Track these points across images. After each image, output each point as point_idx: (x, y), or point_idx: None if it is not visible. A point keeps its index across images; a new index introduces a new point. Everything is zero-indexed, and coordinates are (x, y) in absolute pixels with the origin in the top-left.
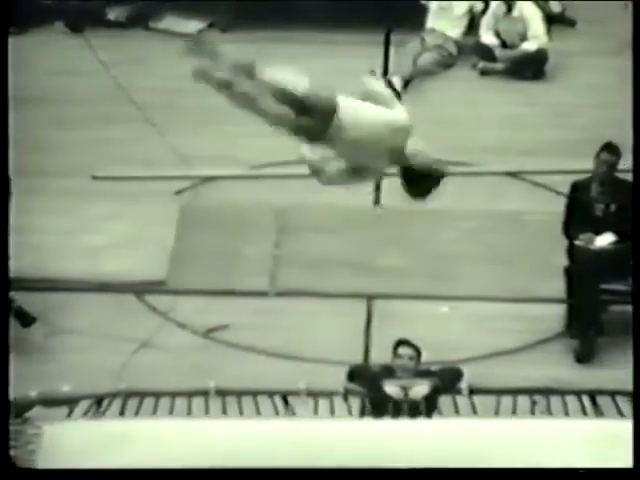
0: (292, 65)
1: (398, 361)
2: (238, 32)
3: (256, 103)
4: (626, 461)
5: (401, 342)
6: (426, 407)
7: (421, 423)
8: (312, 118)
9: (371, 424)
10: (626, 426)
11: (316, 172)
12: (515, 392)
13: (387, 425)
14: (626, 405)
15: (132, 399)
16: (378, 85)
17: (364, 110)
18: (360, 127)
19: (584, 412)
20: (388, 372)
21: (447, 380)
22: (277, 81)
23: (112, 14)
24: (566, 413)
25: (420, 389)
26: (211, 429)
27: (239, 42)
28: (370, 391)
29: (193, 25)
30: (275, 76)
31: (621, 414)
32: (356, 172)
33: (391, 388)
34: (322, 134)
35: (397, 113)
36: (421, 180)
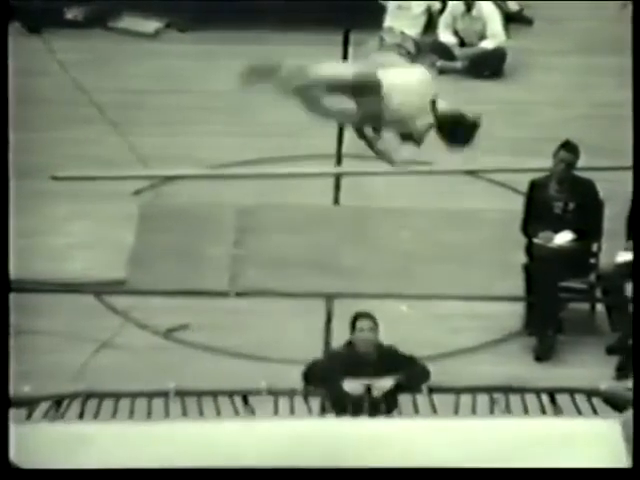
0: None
1: (359, 334)
2: (196, 32)
3: (320, 103)
4: (583, 460)
5: (359, 315)
6: (386, 405)
7: (380, 422)
8: (365, 100)
9: (330, 423)
10: (584, 424)
11: (385, 156)
12: (474, 390)
13: (346, 424)
14: (584, 403)
15: (92, 400)
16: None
17: (401, 76)
18: (403, 92)
19: (543, 410)
20: (349, 365)
21: (413, 379)
22: (328, 74)
23: (70, 14)
24: (525, 411)
25: (384, 383)
26: (171, 430)
27: (197, 42)
28: (329, 391)
29: (151, 25)
30: (325, 70)
31: (579, 412)
32: (406, 139)
33: (351, 385)
34: (378, 114)
35: (418, 68)
36: (458, 129)
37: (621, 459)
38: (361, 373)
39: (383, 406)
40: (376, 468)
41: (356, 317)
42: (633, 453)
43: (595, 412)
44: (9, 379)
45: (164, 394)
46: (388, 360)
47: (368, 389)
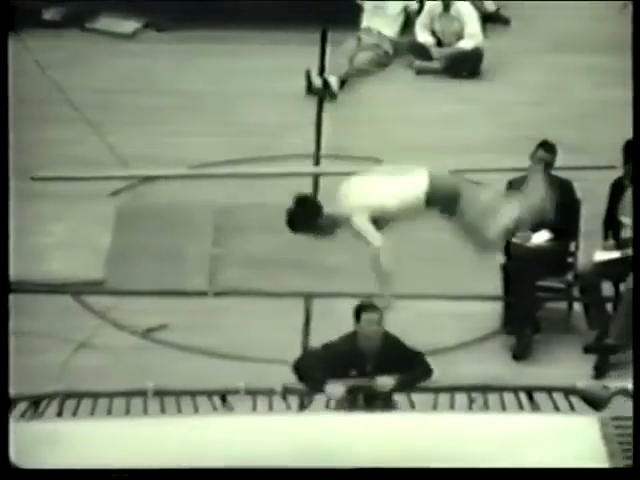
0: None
1: (367, 327)
2: (174, 32)
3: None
4: (561, 456)
5: (365, 307)
6: (383, 402)
7: (358, 418)
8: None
9: (308, 419)
10: (562, 421)
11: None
12: (452, 390)
13: (324, 420)
14: (562, 402)
15: (70, 400)
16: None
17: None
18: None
19: (521, 409)
20: (349, 359)
21: (416, 378)
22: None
23: (48, 14)
24: (503, 410)
25: (386, 382)
26: (149, 430)
27: (175, 42)
28: (311, 390)
29: (129, 25)
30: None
31: (557, 410)
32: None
33: (332, 389)
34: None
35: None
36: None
37: (599, 456)
38: (362, 367)
39: (380, 403)
40: (370, 468)
41: (361, 308)
42: (633, 453)
43: (573, 410)
44: (9, 379)
45: (142, 394)
46: (393, 354)
47: (355, 389)
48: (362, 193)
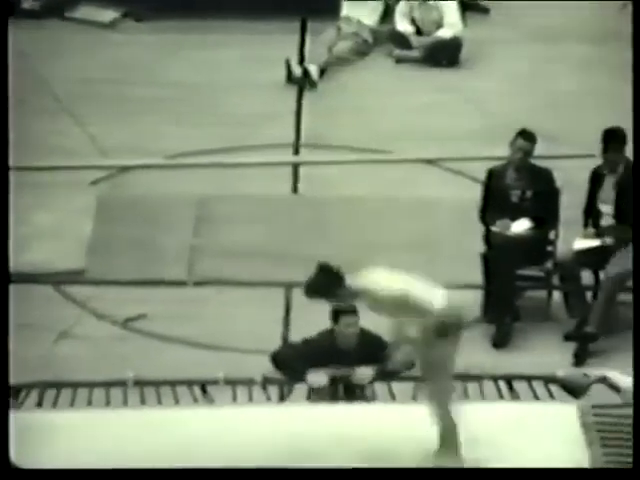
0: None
1: (345, 330)
2: (153, 21)
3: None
4: (538, 444)
5: (344, 311)
6: (363, 393)
7: (339, 408)
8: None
9: (287, 410)
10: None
11: None
12: None
13: (304, 410)
14: (542, 389)
15: (50, 390)
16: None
17: None
18: None
19: (501, 397)
20: (326, 354)
21: (396, 369)
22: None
23: (27, 3)
24: (483, 399)
25: (364, 373)
26: (130, 420)
27: (154, 31)
28: (292, 379)
29: (108, 14)
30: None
31: (537, 398)
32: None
33: (314, 378)
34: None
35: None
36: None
37: (578, 445)
38: (340, 362)
39: (359, 393)
40: (365, 468)
41: (339, 312)
42: (633, 453)
43: (552, 398)
44: (8, 379)
45: (122, 384)
46: (371, 350)
47: (336, 379)
48: (384, 283)
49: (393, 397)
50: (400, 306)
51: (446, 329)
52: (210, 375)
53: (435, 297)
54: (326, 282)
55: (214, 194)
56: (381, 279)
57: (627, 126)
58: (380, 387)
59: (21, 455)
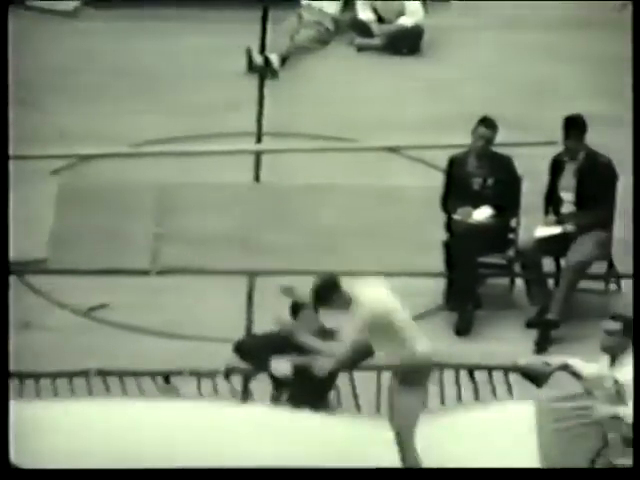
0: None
1: (303, 324)
2: (111, 9)
3: None
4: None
5: (299, 305)
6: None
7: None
8: None
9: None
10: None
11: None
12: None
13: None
14: (500, 379)
15: (13, 381)
16: None
17: None
18: None
19: (458, 385)
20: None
21: (357, 358)
22: None
23: None
24: (442, 387)
25: (326, 363)
26: (93, 410)
27: (112, 19)
28: (256, 368)
29: (70, 3)
30: None
31: (494, 389)
32: None
33: (277, 366)
34: None
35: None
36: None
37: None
38: (302, 353)
39: (321, 384)
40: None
41: (297, 306)
42: (633, 453)
43: (510, 388)
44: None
45: (85, 374)
46: (331, 339)
47: (300, 370)
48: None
49: (354, 388)
50: (381, 326)
51: (414, 376)
52: (174, 364)
53: (419, 337)
54: (326, 289)
55: (177, 182)
56: (374, 293)
57: (587, 114)
58: (342, 377)
59: None
